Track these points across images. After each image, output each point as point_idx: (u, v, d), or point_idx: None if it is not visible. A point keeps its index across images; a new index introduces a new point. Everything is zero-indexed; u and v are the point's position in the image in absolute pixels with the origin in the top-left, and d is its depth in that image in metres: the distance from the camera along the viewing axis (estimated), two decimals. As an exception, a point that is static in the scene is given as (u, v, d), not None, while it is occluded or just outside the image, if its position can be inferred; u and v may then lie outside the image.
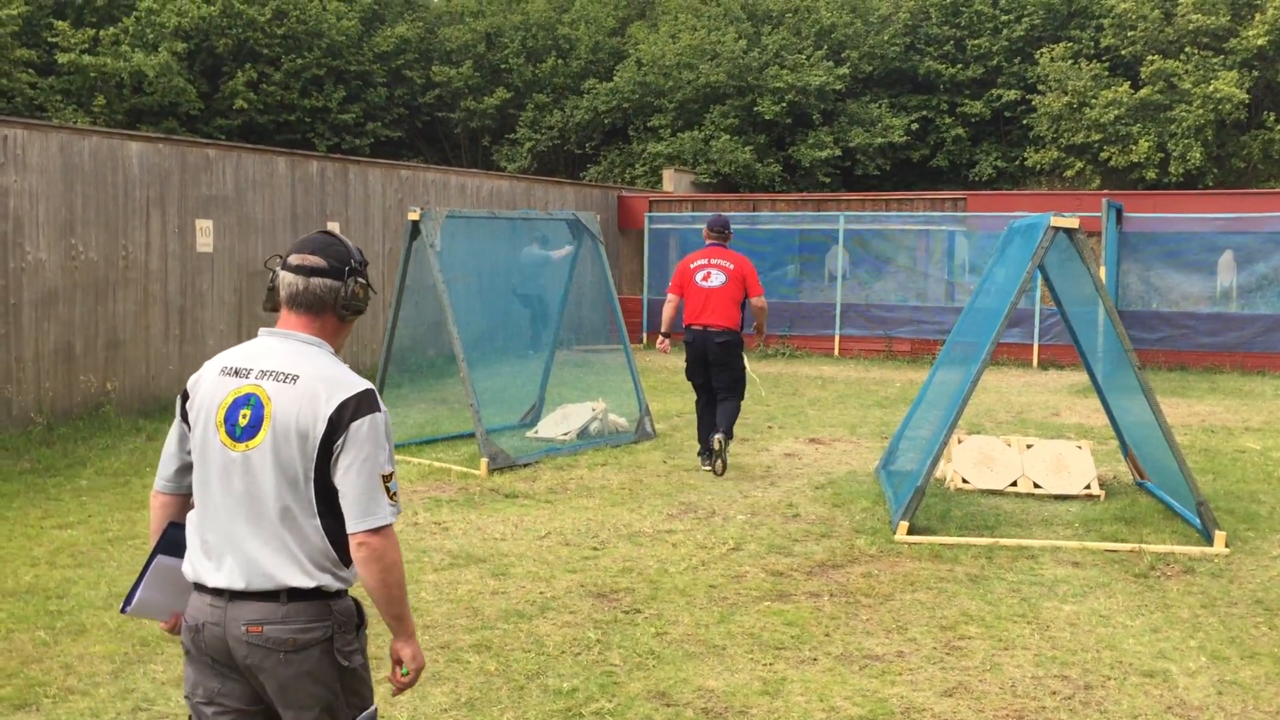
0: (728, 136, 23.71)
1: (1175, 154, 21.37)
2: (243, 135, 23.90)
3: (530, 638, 5.27)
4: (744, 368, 8.88)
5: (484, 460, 8.78)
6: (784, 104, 23.82)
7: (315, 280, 2.81)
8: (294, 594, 2.72)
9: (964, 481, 8.35)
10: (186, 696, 2.86)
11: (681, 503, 7.91)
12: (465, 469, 8.90)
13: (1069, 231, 7.13)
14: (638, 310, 18.33)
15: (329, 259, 2.83)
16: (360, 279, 2.87)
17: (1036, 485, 8.24)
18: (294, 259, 2.84)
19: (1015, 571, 6.34)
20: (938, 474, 8.66)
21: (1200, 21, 21.57)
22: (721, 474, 8.64)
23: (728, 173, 23.62)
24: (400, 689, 2.91)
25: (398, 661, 2.87)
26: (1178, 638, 5.32)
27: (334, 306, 2.84)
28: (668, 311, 9.07)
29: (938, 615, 5.61)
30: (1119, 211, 15.94)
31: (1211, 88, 20.87)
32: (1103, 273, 15.19)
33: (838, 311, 17.25)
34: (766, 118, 23.87)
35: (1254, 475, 8.85)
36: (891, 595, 5.93)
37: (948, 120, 24.75)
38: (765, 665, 4.97)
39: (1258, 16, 21.31)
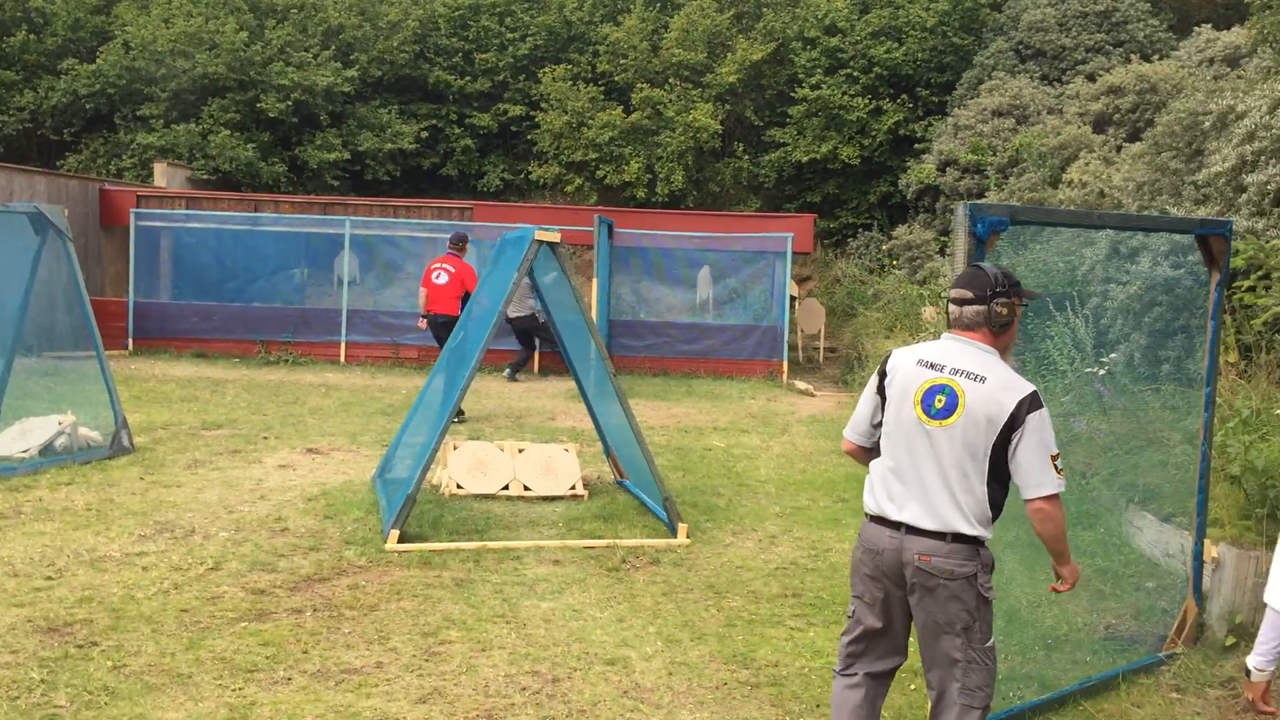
0: (228, 132, 22.47)
1: (661, 176, 23.23)
2: None
3: (-44, 687, 4.62)
4: None
5: (-84, 485, 7.63)
6: (290, 102, 23.00)
7: (967, 309, 3.76)
8: (958, 536, 3.63)
9: (458, 487, 8.47)
10: (856, 597, 3.89)
11: (157, 522, 7.33)
12: (-108, 496, 7.68)
13: (551, 245, 7.48)
14: (123, 314, 16.77)
15: (974, 289, 3.75)
16: (1004, 299, 3.72)
17: (527, 488, 8.55)
18: (953, 293, 3.81)
19: (500, 573, 6.52)
20: (433, 480, 8.74)
21: (682, 56, 23.65)
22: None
23: (228, 170, 22.40)
24: (1058, 591, 3.88)
25: (1059, 577, 3.84)
26: (639, 625, 5.72)
27: (987, 323, 3.74)
28: (420, 299, 12.53)
29: (421, 622, 5.63)
30: (610, 227, 17.04)
31: (691, 117, 22.94)
32: (595, 284, 16.18)
33: (344, 317, 16.92)
34: (271, 115, 22.92)
35: (717, 471, 9.78)
36: (377, 606, 5.86)
37: (457, 130, 25.14)
38: (235, 690, 4.71)
39: (729, 56, 23.76)
